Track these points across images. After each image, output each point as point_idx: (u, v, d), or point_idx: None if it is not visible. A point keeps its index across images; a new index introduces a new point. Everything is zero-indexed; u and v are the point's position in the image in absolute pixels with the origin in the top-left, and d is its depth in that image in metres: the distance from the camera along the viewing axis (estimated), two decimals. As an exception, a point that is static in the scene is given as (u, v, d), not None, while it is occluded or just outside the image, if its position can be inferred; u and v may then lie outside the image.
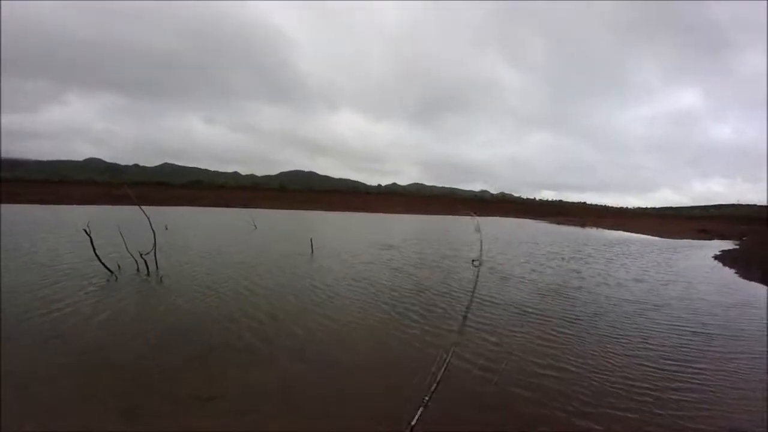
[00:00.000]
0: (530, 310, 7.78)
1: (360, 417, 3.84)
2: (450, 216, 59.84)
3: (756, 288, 11.69)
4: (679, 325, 7.19)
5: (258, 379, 4.55)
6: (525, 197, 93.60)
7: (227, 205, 53.71)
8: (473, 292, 4.60)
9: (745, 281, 12.74)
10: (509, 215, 68.32)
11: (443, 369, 3.41)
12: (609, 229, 45.98)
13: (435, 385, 3.26)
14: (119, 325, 6.18)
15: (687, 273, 13.65)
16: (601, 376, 4.86)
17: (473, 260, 4.28)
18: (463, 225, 38.84)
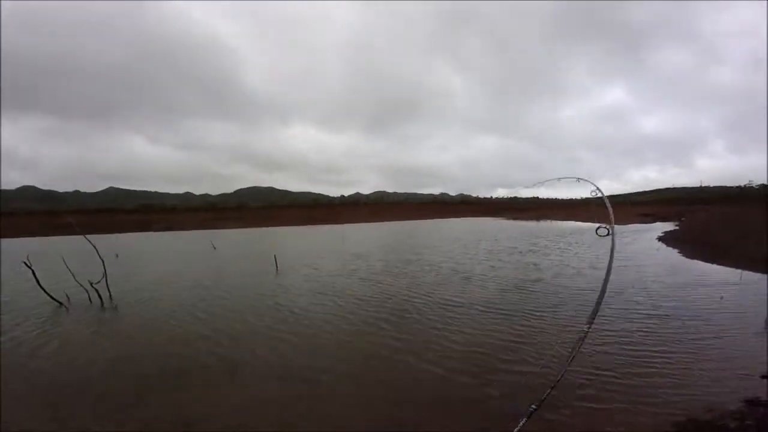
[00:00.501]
0: (495, 307, 7.78)
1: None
2: (413, 220, 60.91)
3: (699, 266, 12.06)
4: (641, 311, 7.12)
5: (217, 402, 4.42)
6: (482, 197, 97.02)
7: (182, 228, 51.10)
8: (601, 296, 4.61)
9: (689, 260, 13.29)
10: (469, 215, 70.74)
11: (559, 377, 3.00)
12: (561, 220, 48.83)
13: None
14: (71, 356, 5.82)
15: (637, 256, 14.19)
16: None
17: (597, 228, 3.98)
18: (425, 228, 39.67)
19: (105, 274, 9.90)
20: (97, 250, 10.30)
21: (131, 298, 9.60)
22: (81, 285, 9.40)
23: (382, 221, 61.73)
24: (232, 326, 7.17)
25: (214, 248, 22.58)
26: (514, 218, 56.81)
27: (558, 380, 2.96)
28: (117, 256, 18.39)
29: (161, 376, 5.09)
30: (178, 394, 4.58)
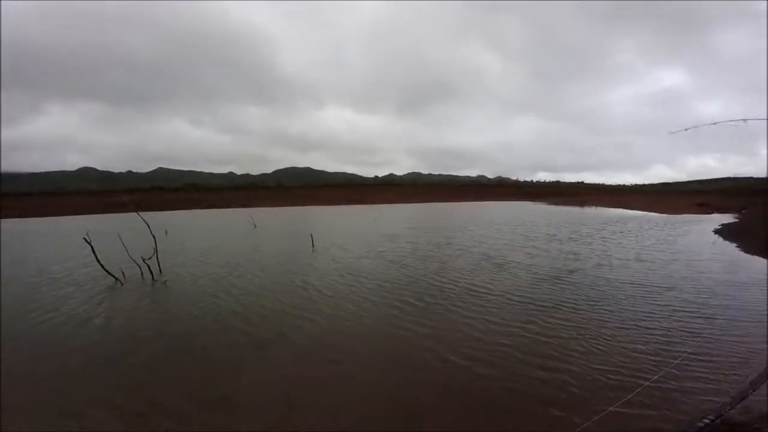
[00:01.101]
0: (527, 297, 7.50)
1: (369, 414, 3.90)
2: (448, 202, 60.00)
3: (762, 263, 10.83)
4: (695, 311, 6.51)
5: (261, 378, 4.68)
6: (522, 180, 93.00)
7: (225, 207, 53.63)
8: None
9: (749, 256, 12.12)
10: (507, 198, 68.51)
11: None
12: (608, 207, 46.06)
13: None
14: (125, 330, 6.33)
15: (690, 249, 13.12)
16: (614, 376, 4.34)
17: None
18: (460, 210, 38.91)
19: (156, 250, 10.59)
20: (149, 227, 11.02)
21: (178, 273, 10.30)
22: (134, 261, 10.14)
23: (417, 202, 61.31)
24: (263, 304, 7.57)
25: (255, 226, 23.55)
26: (556, 203, 54.28)
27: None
28: (166, 232, 19.65)
29: (198, 350, 5.45)
30: (212, 368, 4.90)
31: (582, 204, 49.89)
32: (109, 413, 3.95)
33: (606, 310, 6.70)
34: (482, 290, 8.14)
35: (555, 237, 16.75)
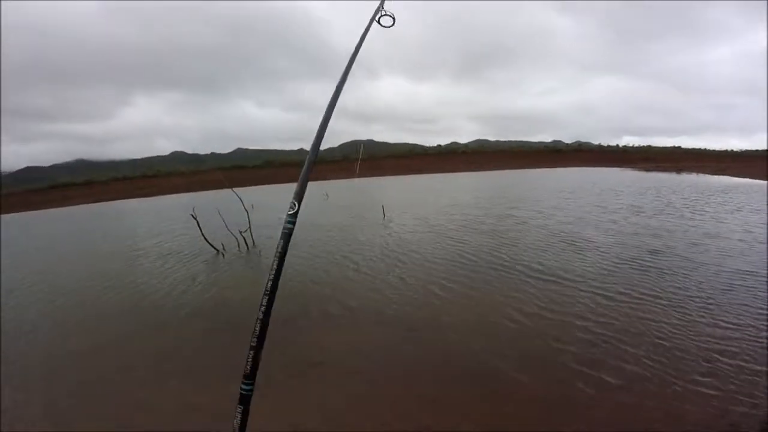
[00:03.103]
0: (595, 283, 6.46)
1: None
2: (519, 169, 56.43)
3: None
4: None
5: (356, 343, 4.93)
6: (606, 144, 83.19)
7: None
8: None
9: None
10: (589, 164, 62.23)
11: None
12: (711, 174, 39.54)
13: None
14: (233, 297, 7.03)
15: None
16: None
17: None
18: (532, 178, 36.38)
19: (249, 223, 11.56)
20: (242, 202, 12.01)
21: (268, 245, 11.18)
22: (232, 233, 11.20)
23: (484, 170, 58.63)
24: (343, 273, 7.98)
25: (327, 196, 24.57)
26: (647, 169, 47.86)
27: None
28: (252, 206, 21.41)
29: (287, 318, 5.85)
30: (299, 335, 5.27)
31: (679, 171, 43.24)
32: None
33: (699, 305, 5.40)
34: (538, 271, 7.25)
35: (641, 209, 14.07)
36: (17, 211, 41.90)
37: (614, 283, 6.44)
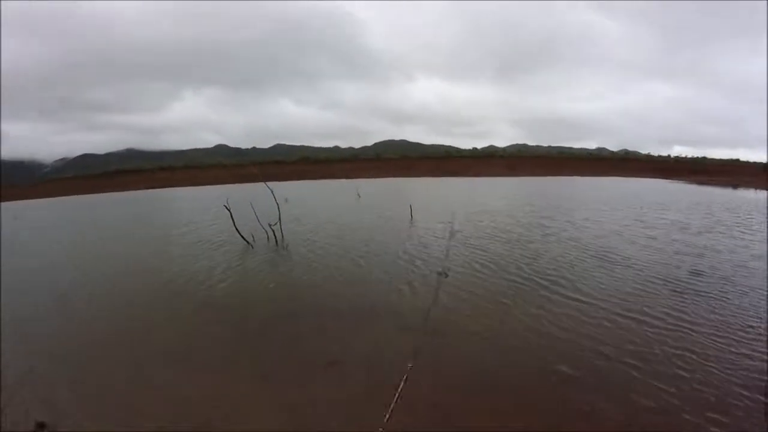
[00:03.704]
0: (626, 306, 5.89)
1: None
2: (559, 177, 54.37)
3: None
4: None
5: (370, 344, 4.99)
6: (655, 154, 78.07)
7: (332, 177, 57.83)
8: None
9: None
10: (635, 174, 58.76)
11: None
12: (773, 188, 35.95)
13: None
14: (256, 291, 7.32)
15: None
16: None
17: None
18: (573, 187, 34.90)
19: (279, 217, 11.98)
20: (274, 196, 12.42)
21: (296, 240, 11.57)
22: (262, 227, 11.67)
23: (522, 176, 56.98)
24: (369, 273, 8.05)
25: (359, 196, 24.99)
26: (700, 182, 44.40)
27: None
28: (286, 200, 22.11)
29: (309, 315, 6.03)
30: (321, 334, 5.38)
31: (735, 186, 39.69)
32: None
33: (736, 334, 4.93)
34: (565, 289, 6.70)
35: (686, 227, 12.84)
36: (73, 194, 45.83)
37: (641, 305, 5.94)
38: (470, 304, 6.26)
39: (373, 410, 3.51)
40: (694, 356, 4.49)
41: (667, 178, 52.18)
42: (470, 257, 9.03)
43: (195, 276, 8.32)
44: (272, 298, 6.93)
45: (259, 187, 13.35)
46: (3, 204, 37.99)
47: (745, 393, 3.80)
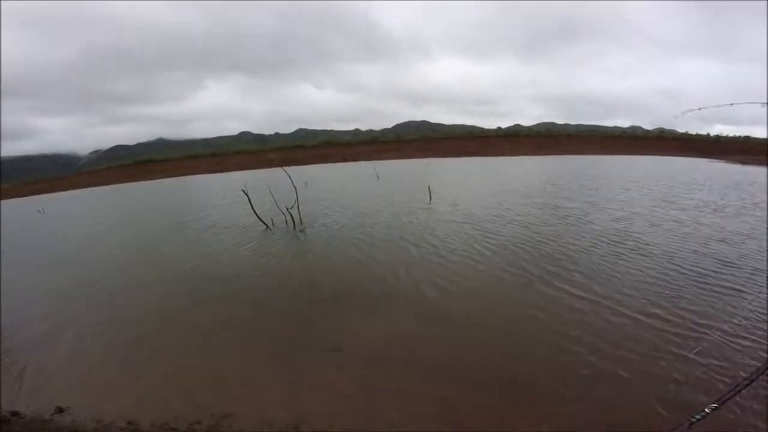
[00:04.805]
0: (642, 311, 5.05)
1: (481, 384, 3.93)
2: (590, 156, 52.14)
3: None
4: None
5: (380, 332, 5.05)
6: (694, 133, 73.09)
7: (353, 160, 57.94)
8: None
9: None
10: (672, 153, 55.39)
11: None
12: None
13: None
14: (273, 274, 7.60)
15: None
16: None
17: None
18: (604, 166, 33.43)
19: (297, 201, 12.24)
20: (291, 181, 12.64)
21: (313, 223, 11.86)
22: (281, 210, 11.99)
23: (549, 155, 54.90)
24: (386, 257, 8.09)
25: (378, 178, 25.07)
26: (743, 162, 41.12)
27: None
28: (306, 184, 22.46)
29: (323, 299, 6.16)
30: (333, 319, 5.50)
31: None
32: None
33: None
34: (568, 282, 6.17)
35: (720, 207, 11.88)
36: (110, 184, 48.24)
37: (656, 302, 5.32)
38: (463, 293, 6.10)
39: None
40: (703, 373, 3.78)
41: (706, 157, 48.93)
42: (480, 241, 8.90)
43: (215, 258, 8.80)
44: (288, 280, 7.21)
45: (282, 172, 13.60)
46: (49, 195, 40.69)
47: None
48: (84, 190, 43.08)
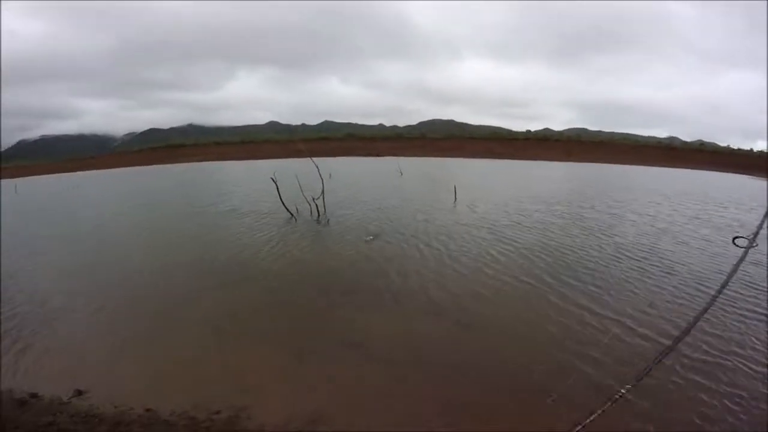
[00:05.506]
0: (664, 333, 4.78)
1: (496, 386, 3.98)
2: (622, 165, 50.28)
3: None
4: None
5: (396, 329, 5.09)
6: (735, 147, 69.41)
7: (376, 155, 58.12)
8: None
9: None
10: (707, 168, 52.74)
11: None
12: None
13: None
14: (296, 267, 7.66)
15: None
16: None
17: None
18: (635, 176, 32.26)
19: (323, 191, 12.51)
20: (318, 171, 12.81)
21: (336, 213, 12.13)
22: (306, 200, 12.30)
23: (579, 161, 53.26)
24: (403, 253, 8.25)
25: (401, 174, 25.17)
26: None
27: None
28: (330, 176, 22.75)
29: (336, 293, 6.24)
30: (345, 313, 5.58)
31: None
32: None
33: None
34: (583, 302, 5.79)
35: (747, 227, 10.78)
36: (144, 165, 50.33)
37: (678, 323, 5.04)
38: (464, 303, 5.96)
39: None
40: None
41: (747, 174, 46.31)
42: (497, 248, 8.72)
43: (239, 245, 9.18)
44: (309, 273, 7.38)
45: (307, 162, 13.92)
46: (84, 172, 42.96)
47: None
48: (116, 170, 45.18)
